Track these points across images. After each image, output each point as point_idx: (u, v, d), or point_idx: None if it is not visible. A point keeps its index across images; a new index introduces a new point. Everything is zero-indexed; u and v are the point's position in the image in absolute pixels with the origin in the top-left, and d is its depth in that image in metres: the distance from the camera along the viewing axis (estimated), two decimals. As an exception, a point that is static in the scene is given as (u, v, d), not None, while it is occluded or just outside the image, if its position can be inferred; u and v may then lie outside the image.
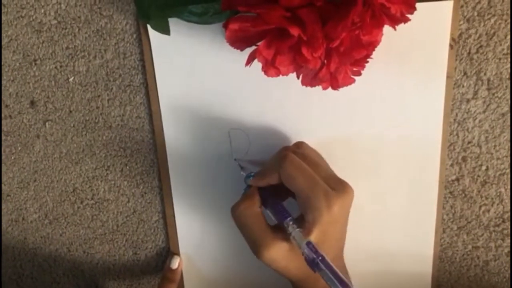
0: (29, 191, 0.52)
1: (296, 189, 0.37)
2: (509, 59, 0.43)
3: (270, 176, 0.39)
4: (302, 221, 0.38)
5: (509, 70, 0.44)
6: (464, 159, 0.47)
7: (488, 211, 0.48)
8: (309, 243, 0.35)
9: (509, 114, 0.45)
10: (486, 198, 0.48)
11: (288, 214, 0.38)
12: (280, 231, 0.38)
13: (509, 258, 0.50)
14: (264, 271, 0.51)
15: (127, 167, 0.50)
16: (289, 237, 0.37)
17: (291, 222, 0.37)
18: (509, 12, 0.42)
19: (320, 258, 0.34)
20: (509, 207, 0.48)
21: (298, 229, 0.37)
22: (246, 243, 0.52)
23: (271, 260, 0.38)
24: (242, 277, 0.52)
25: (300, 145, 0.43)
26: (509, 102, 0.44)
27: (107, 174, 0.50)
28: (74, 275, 0.55)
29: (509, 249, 0.49)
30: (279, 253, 0.37)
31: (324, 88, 0.40)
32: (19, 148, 0.50)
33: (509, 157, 0.46)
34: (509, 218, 0.48)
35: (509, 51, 0.43)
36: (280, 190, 0.40)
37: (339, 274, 0.34)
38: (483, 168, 0.47)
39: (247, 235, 0.39)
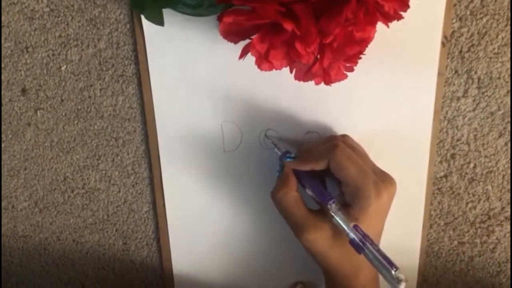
0: (20, 179, 0.52)
1: (346, 178, 0.38)
2: (500, 59, 0.44)
3: (316, 162, 0.40)
4: (346, 208, 0.38)
5: (499, 70, 0.44)
6: (452, 156, 0.47)
7: (475, 208, 0.49)
8: (356, 226, 0.36)
9: (498, 113, 0.45)
10: (473, 195, 0.49)
11: (331, 196, 0.38)
12: (321, 214, 0.39)
13: (493, 254, 0.51)
14: (254, 264, 0.52)
15: (119, 157, 0.50)
16: (332, 220, 0.37)
17: (334, 205, 0.38)
18: (501, 12, 0.42)
19: (368, 240, 0.35)
20: (495, 205, 0.49)
21: (341, 212, 0.37)
22: (239, 234, 0.52)
23: (311, 242, 0.38)
24: (232, 267, 0.52)
25: (346, 136, 0.43)
26: (498, 101, 0.45)
27: (98, 163, 0.50)
28: (63, 264, 0.55)
29: (494, 245, 0.50)
30: (321, 236, 0.38)
31: (317, 83, 0.40)
32: (10, 136, 0.50)
33: (496, 155, 0.47)
34: (495, 215, 0.49)
35: (499, 51, 0.43)
36: (314, 172, 0.41)
37: (387, 256, 0.34)
38: (471, 165, 0.48)
39: (289, 219, 0.40)
